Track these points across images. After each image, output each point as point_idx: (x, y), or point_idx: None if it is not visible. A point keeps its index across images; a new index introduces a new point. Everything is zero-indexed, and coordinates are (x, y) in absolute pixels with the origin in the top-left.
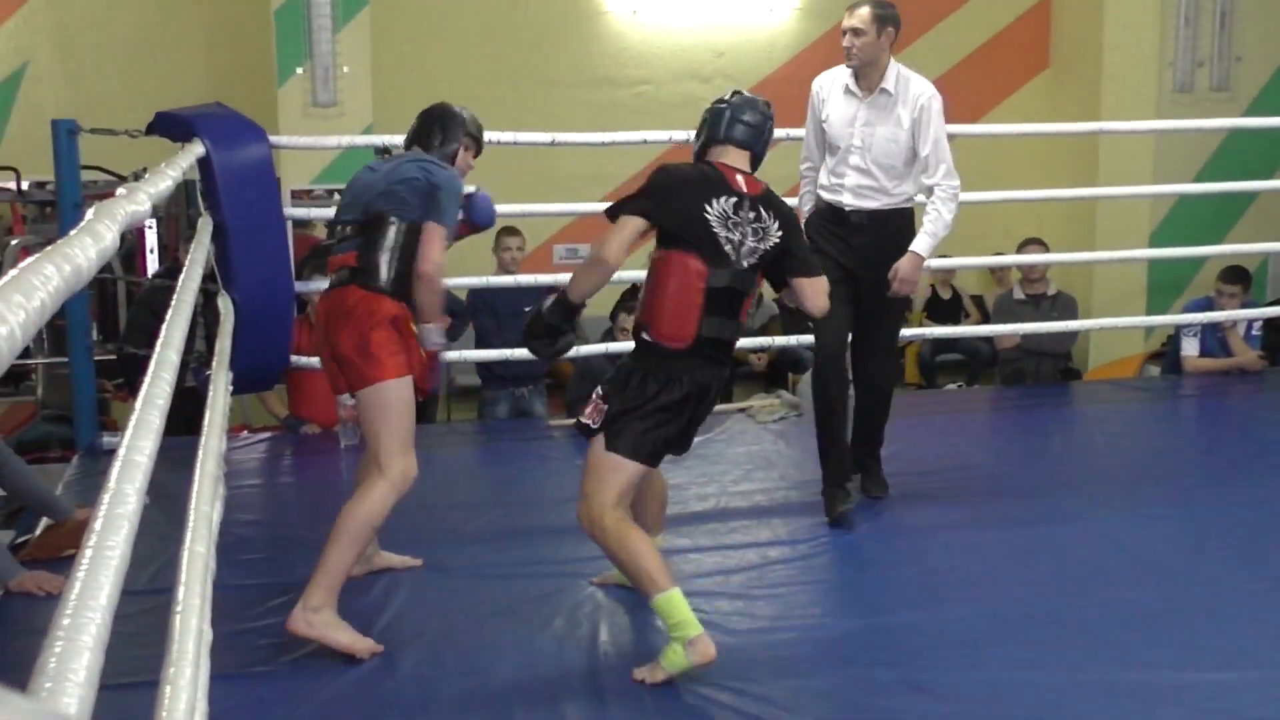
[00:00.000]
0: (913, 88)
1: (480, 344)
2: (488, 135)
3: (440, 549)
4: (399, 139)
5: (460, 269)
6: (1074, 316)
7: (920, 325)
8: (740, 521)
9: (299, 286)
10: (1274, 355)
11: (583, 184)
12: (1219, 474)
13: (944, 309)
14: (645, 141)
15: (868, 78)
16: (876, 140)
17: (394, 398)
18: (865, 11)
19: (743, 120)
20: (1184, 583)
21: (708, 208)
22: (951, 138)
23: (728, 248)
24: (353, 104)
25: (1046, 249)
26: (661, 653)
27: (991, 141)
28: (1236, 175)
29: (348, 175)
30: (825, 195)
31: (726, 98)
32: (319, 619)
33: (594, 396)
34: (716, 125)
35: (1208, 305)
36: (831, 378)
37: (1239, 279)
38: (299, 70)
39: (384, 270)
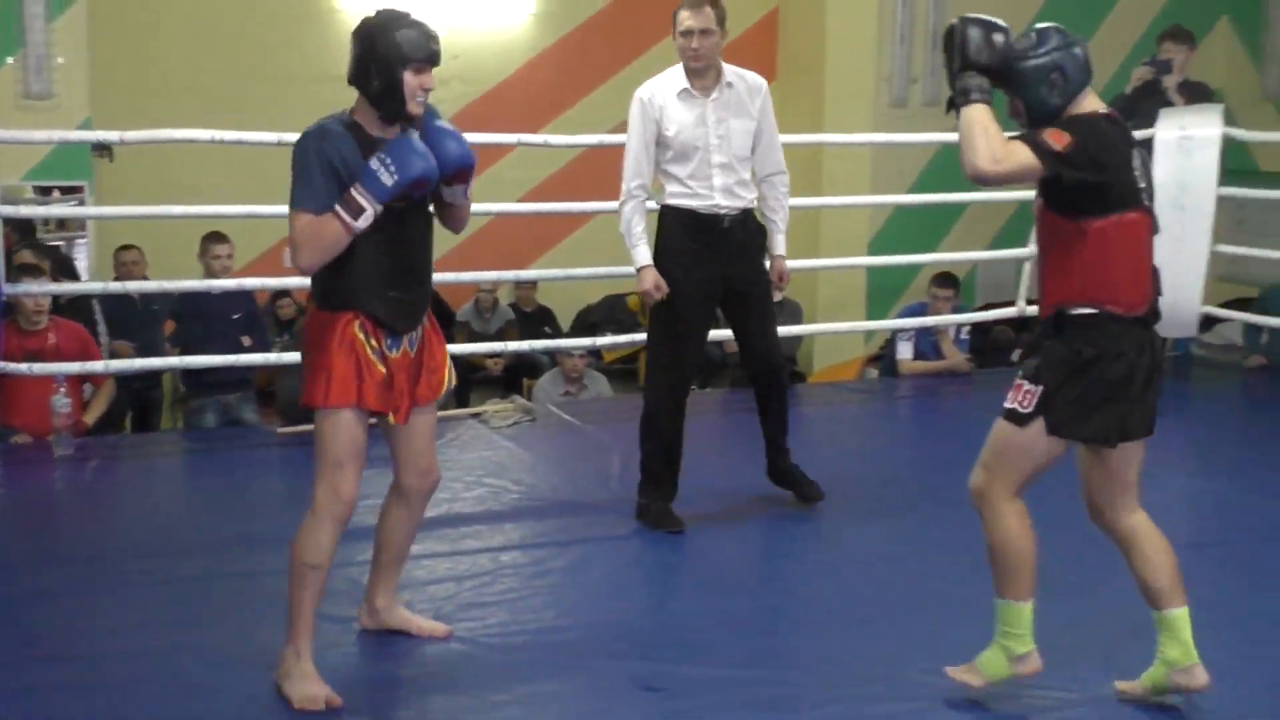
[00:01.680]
0: (749, 78)
1: (187, 350)
2: (211, 134)
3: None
4: (116, 135)
5: (164, 271)
6: (799, 322)
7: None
8: (472, 527)
9: (7, 289)
10: (981, 358)
11: None
12: (934, 473)
13: None
14: None
15: (705, 77)
16: (734, 135)
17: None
18: (710, 12)
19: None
20: (911, 579)
21: (1133, 160)
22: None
23: (1147, 200)
24: (68, 97)
25: None
26: (981, 656)
27: None
28: (948, 186)
29: (61, 172)
30: (688, 203)
31: (1064, 35)
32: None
33: (1019, 382)
34: (1085, 69)
35: (922, 310)
36: (681, 402)
37: (951, 284)
38: (9, 60)
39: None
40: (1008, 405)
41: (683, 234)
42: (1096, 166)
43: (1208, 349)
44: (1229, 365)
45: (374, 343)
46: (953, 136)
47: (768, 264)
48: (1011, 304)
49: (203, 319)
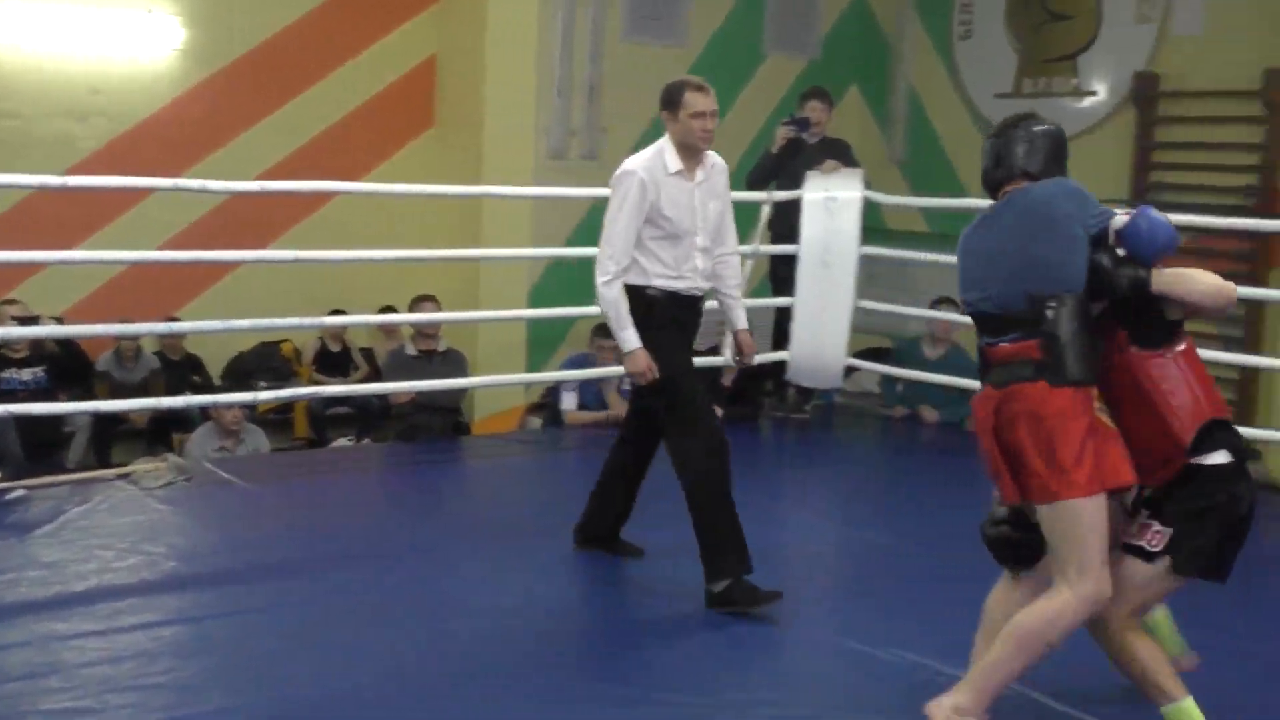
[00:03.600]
0: (716, 159)
1: None
2: None
3: None
4: None
5: None
6: (464, 371)
7: (310, 379)
8: (127, 601)
9: None
10: None
11: None
12: None
13: (334, 362)
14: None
15: (696, 157)
16: (712, 218)
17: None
18: (713, 93)
19: None
20: (575, 632)
21: None
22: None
23: None
24: None
25: (439, 306)
26: None
27: (380, 197)
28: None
29: None
30: (673, 285)
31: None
32: None
33: (1144, 521)
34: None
35: (586, 361)
36: (726, 465)
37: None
38: None
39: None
40: (1134, 542)
41: (667, 316)
42: None
43: (847, 397)
44: (869, 414)
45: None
46: (606, 191)
47: (729, 338)
48: None
49: None
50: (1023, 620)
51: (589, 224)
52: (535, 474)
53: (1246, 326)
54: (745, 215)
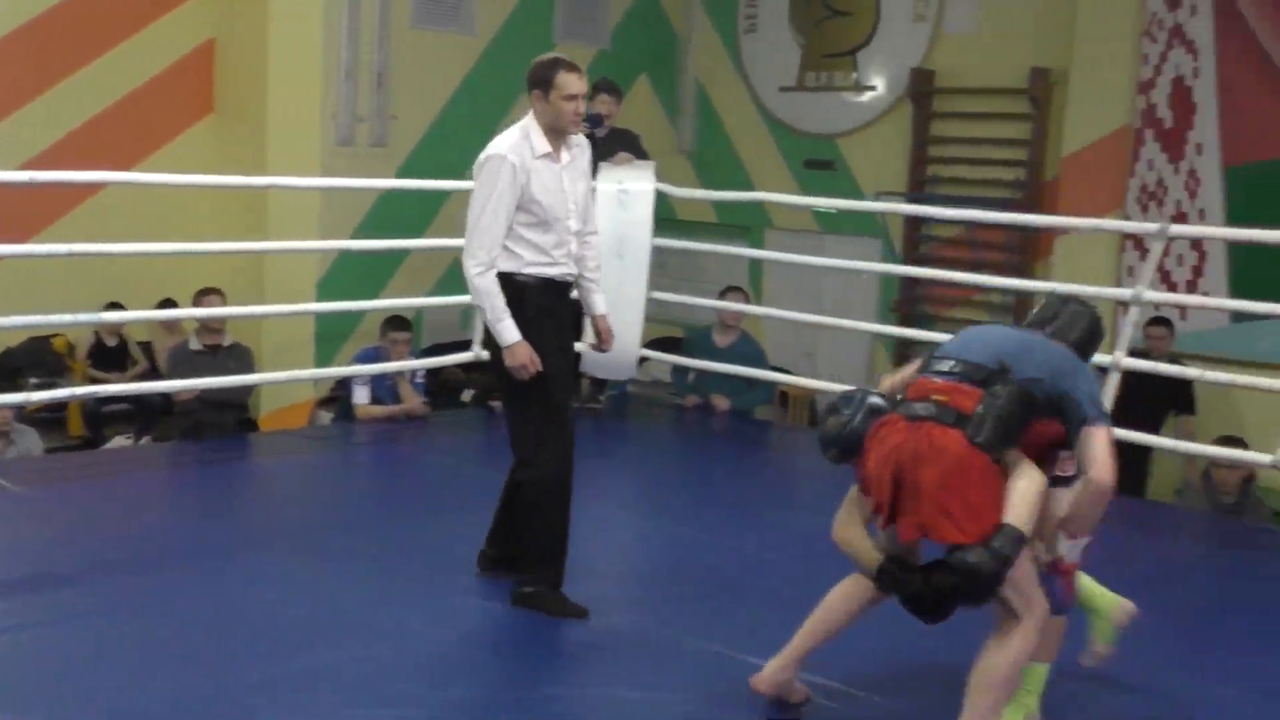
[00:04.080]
0: (579, 137)
1: None
2: None
3: None
4: None
5: None
6: (250, 366)
7: (85, 376)
8: None
9: None
10: (434, 399)
11: None
12: (393, 520)
13: (110, 357)
14: None
15: (563, 139)
16: (581, 199)
17: None
18: (585, 75)
19: None
20: (374, 635)
21: None
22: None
23: None
24: None
25: (224, 299)
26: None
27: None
28: (394, 227)
29: None
30: (546, 272)
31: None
32: None
33: None
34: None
35: (378, 353)
36: (570, 473)
37: (406, 327)
38: None
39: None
40: None
41: (542, 303)
42: None
43: (639, 386)
44: (662, 403)
45: None
46: (401, 184)
47: (588, 324)
48: (459, 344)
49: None
50: (995, 666)
51: (378, 214)
52: (328, 471)
53: (1015, 315)
54: None
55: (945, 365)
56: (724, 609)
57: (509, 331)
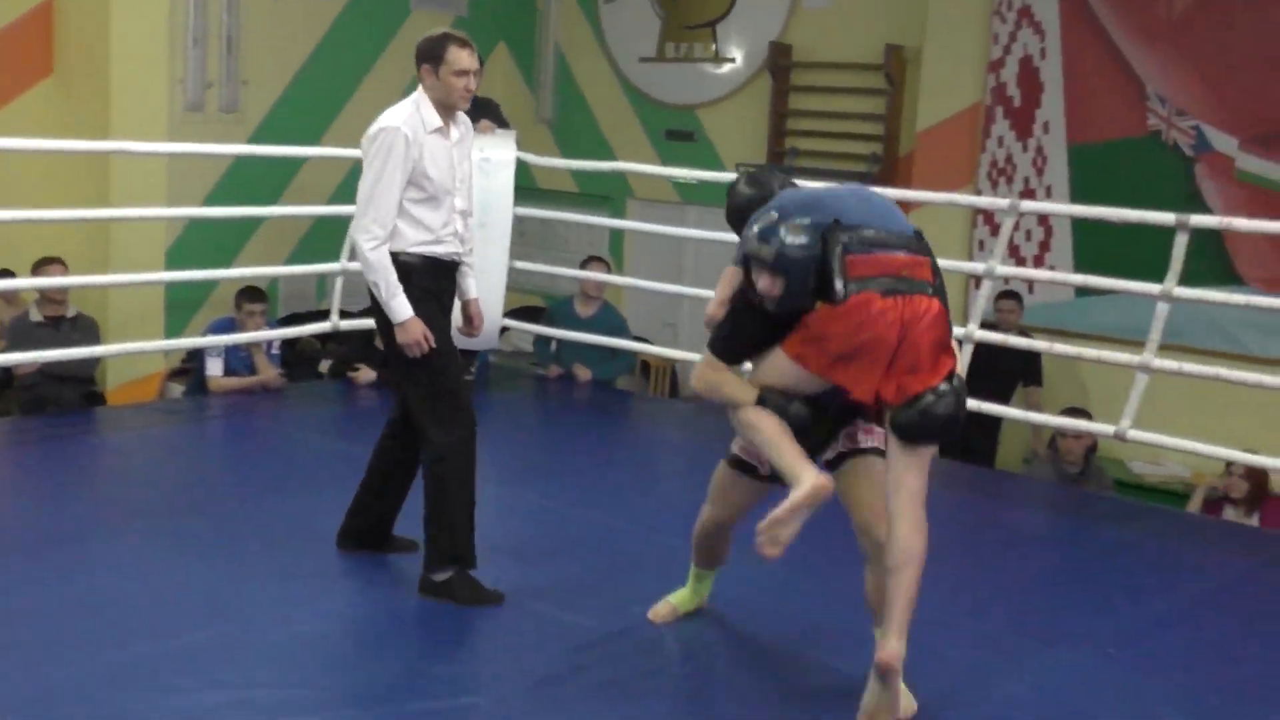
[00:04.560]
0: (462, 117)
1: None
2: None
3: None
4: None
5: None
6: (96, 338)
7: None
8: None
9: None
10: (291, 370)
11: None
12: (250, 497)
13: None
14: None
15: (452, 115)
16: (467, 179)
17: None
18: (476, 51)
19: None
20: (232, 615)
21: None
22: None
23: None
24: None
25: (66, 269)
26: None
27: None
28: (246, 195)
29: None
30: (434, 250)
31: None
32: None
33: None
34: None
35: (231, 324)
36: (474, 455)
37: (261, 298)
38: None
39: None
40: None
41: (430, 283)
42: None
43: (501, 357)
44: (524, 373)
45: None
46: (252, 149)
47: (457, 306)
48: (315, 313)
49: None
50: (917, 547)
51: (230, 181)
52: (181, 446)
53: None
54: None
55: (882, 236)
56: (588, 580)
57: (402, 308)
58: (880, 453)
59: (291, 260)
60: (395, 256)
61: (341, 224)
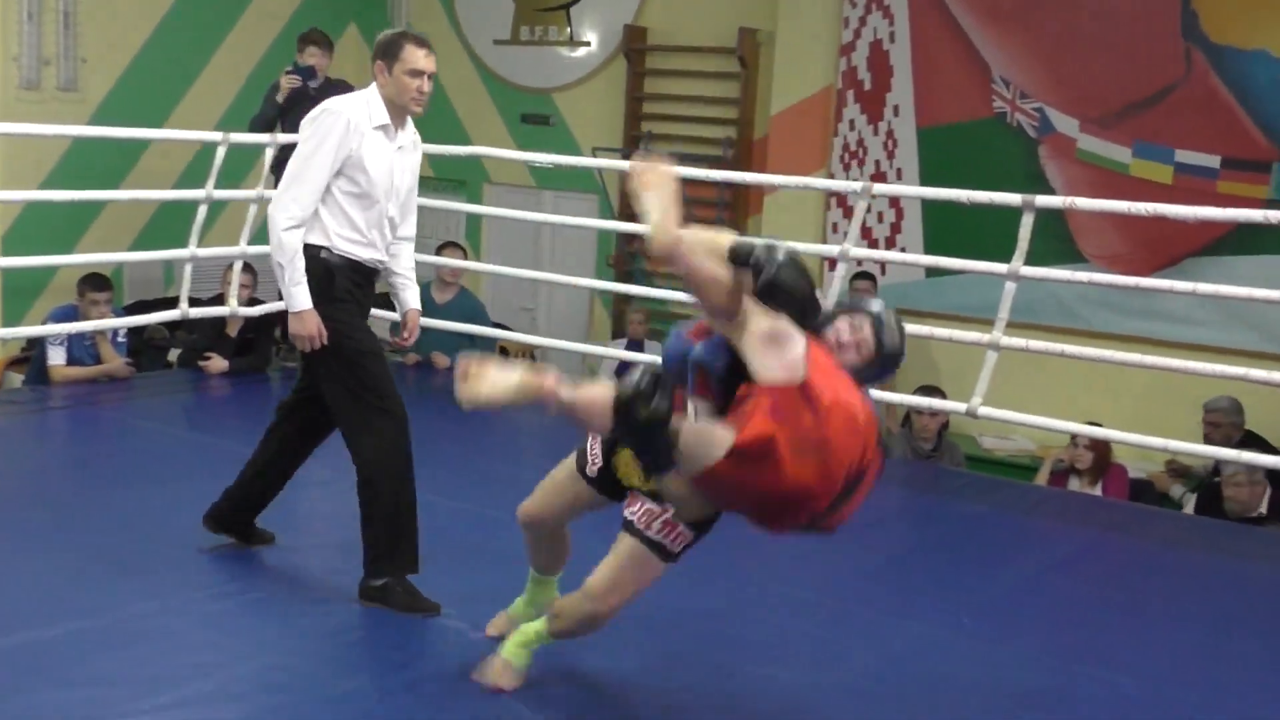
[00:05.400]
0: (412, 128)
1: None
2: None
3: None
4: None
5: None
6: None
7: None
8: None
9: None
10: (138, 359)
11: None
12: (99, 490)
13: None
14: None
15: (401, 119)
16: (403, 192)
17: None
18: (434, 53)
19: None
20: (78, 612)
21: None
22: None
23: None
24: None
25: None
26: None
27: None
28: (87, 178)
29: None
30: (356, 253)
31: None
32: None
33: None
34: None
35: (73, 313)
36: (409, 452)
37: (105, 286)
38: None
39: None
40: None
41: (347, 283)
42: None
43: None
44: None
45: None
46: (90, 129)
47: (399, 318)
48: (163, 300)
49: None
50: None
51: (70, 163)
52: (22, 438)
53: None
54: (248, 160)
55: None
56: (450, 570)
57: (302, 296)
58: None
59: (137, 246)
60: (318, 254)
61: (187, 210)
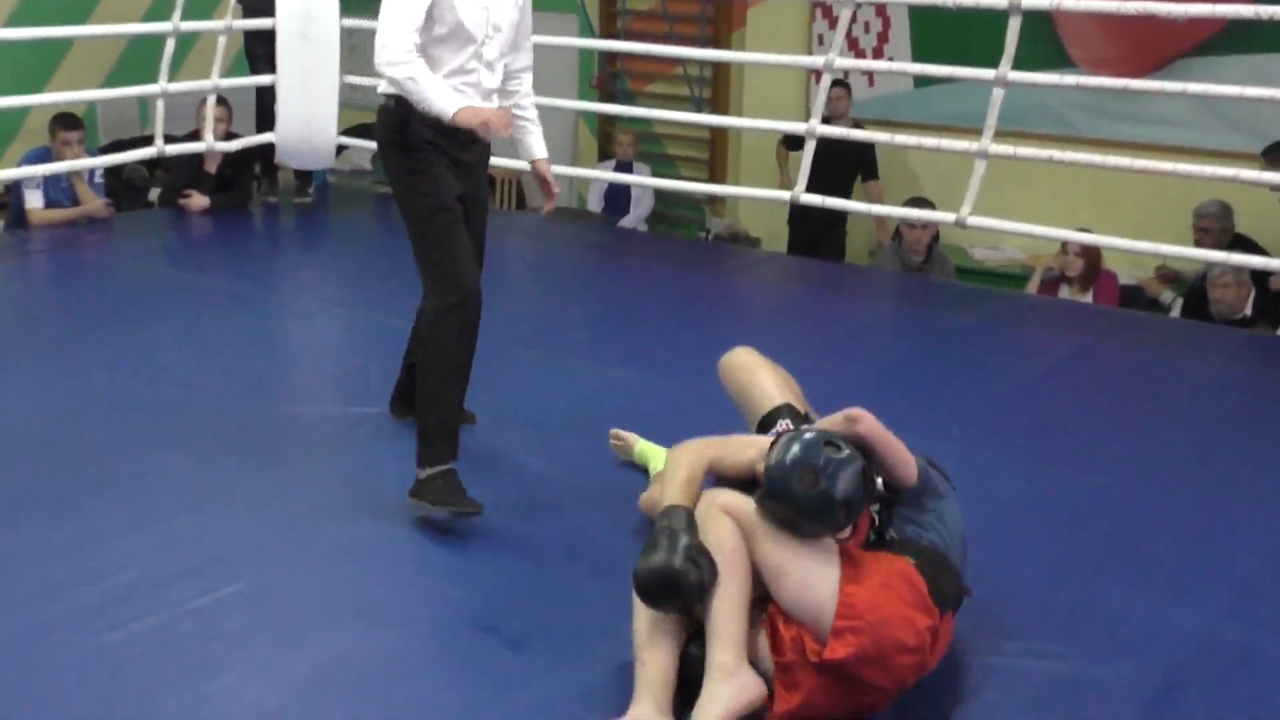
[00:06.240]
0: None
1: None
2: None
3: None
4: None
5: None
6: None
7: None
8: None
9: None
10: (117, 200)
11: None
12: (85, 332)
13: None
14: None
15: None
16: (507, 23)
17: None
18: None
19: None
20: (73, 458)
21: None
22: None
23: None
24: None
25: None
26: None
27: None
28: (51, 16)
29: None
30: None
31: None
32: None
33: None
34: None
35: (48, 154)
36: (471, 337)
37: (76, 125)
38: None
39: None
40: None
41: (429, 132)
42: None
43: (339, 176)
44: (365, 192)
45: None
46: None
47: (529, 167)
48: (139, 139)
49: None
50: None
51: (32, 1)
52: (4, 283)
53: (714, 88)
54: None
55: None
56: None
57: (444, 104)
58: None
59: (109, 84)
60: (399, 103)
61: (158, 46)
